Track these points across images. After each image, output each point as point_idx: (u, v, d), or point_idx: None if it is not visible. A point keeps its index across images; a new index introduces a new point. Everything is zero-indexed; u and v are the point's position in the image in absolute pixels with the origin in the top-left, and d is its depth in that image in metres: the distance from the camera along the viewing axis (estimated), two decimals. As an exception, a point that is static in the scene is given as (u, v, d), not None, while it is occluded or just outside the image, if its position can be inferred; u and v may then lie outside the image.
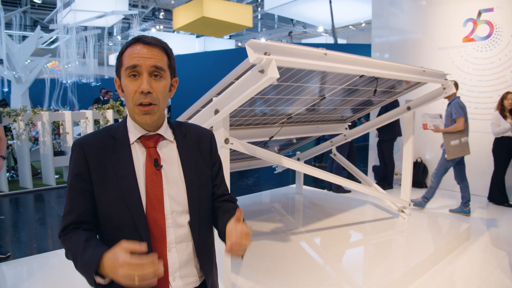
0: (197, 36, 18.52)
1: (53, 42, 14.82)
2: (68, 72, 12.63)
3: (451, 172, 6.08)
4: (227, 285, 2.42)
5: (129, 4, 12.76)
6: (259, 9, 15.20)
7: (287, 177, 7.35)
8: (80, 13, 10.63)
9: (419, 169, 6.12)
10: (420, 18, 6.20)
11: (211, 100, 2.20)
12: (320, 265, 2.92)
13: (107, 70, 17.50)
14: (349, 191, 5.70)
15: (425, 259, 3.07)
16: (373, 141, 6.76)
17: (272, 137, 3.35)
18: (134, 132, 1.17)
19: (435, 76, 3.43)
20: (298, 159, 4.75)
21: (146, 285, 0.92)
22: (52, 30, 11.58)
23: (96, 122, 7.04)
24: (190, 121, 1.94)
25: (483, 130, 5.55)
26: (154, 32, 18.05)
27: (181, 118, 2.74)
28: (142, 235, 1.10)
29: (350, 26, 16.92)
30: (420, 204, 4.82)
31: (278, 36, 20.47)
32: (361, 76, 2.75)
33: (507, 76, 5.32)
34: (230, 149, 2.47)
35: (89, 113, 6.87)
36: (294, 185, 5.25)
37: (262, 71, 1.83)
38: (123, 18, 13.40)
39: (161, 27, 18.38)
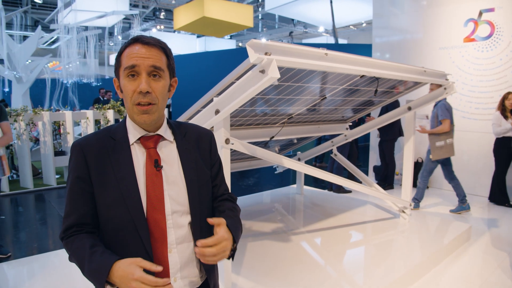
0: (198, 36, 18.54)
1: (53, 42, 14.83)
2: (68, 72, 12.64)
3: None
4: (227, 285, 2.42)
5: (130, 4, 12.77)
6: (259, 9, 15.20)
7: (288, 177, 7.34)
8: (80, 13, 10.63)
9: (420, 170, 6.11)
10: (421, 18, 6.19)
11: (211, 100, 2.20)
12: (321, 265, 2.92)
13: (108, 70, 17.50)
14: (349, 191, 5.70)
15: (426, 260, 3.06)
16: (374, 141, 6.76)
17: (273, 137, 3.35)
18: (133, 132, 1.17)
19: (436, 76, 3.43)
20: (299, 159, 4.75)
21: None
22: (53, 30, 11.59)
23: (97, 122, 7.05)
24: (190, 121, 1.94)
25: (484, 130, 5.54)
26: (154, 32, 18.05)
27: (182, 118, 2.74)
28: (142, 236, 1.10)
29: (351, 26, 16.91)
30: (415, 206, 4.83)
31: (279, 36, 20.47)
32: (362, 76, 2.74)
33: (508, 76, 5.32)
34: (231, 149, 2.47)
35: (89, 113, 6.87)
36: (294, 185, 5.25)
37: (263, 71, 1.82)
38: (124, 18, 13.41)
39: (162, 27, 18.39)
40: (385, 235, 3.57)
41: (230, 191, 1.40)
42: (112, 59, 19.53)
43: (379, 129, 5.87)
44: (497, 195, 5.14)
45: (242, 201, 4.69)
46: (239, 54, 11.02)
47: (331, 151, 4.55)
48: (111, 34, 17.26)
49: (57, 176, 6.79)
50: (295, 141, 4.32)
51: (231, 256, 1.18)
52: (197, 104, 2.58)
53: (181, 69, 10.40)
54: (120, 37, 16.63)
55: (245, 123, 3.10)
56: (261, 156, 2.70)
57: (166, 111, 1.70)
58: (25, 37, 13.55)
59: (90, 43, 12.14)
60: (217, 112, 2.14)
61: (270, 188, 6.02)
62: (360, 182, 4.34)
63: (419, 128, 4.65)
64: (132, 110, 1.12)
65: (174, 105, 11.97)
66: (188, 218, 1.18)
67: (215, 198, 1.32)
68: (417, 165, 6.11)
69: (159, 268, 1.01)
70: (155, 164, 1.15)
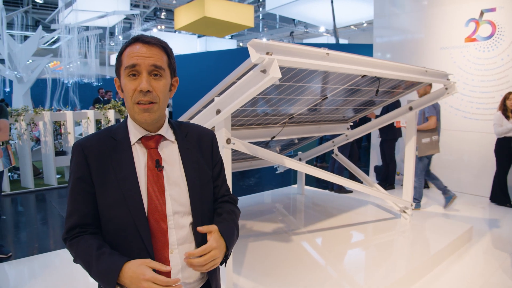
0: (199, 36, 18.54)
1: (54, 42, 14.84)
2: (69, 72, 12.65)
3: (448, 171, 6.08)
4: (228, 285, 2.42)
5: (131, 4, 12.77)
6: (260, 9, 15.19)
7: (289, 177, 7.34)
8: (81, 13, 10.64)
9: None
10: (422, 18, 6.18)
11: (212, 100, 2.19)
12: (322, 265, 2.92)
13: (109, 70, 17.52)
14: (350, 192, 5.69)
15: (427, 260, 3.06)
16: (375, 141, 6.75)
17: (274, 137, 3.35)
18: (134, 133, 1.17)
19: (437, 76, 3.42)
20: (300, 159, 4.75)
21: None
22: (54, 30, 11.61)
23: (98, 122, 7.05)
24: (191, 121, 1.94)
25: (485, 130, 5.53)
26: (155, 32, 18.07)
27: (183, 118, 2.74)
28: (143, 237, 1.10)
29: (352, 26, 16.90)
30: (416, 206, 4.82)
31: (280, 36, 20.46)
32: (363, 76, 2.74)
33: (509, 76, 5.31)
34: (232, 149, 2.46)
35: (90, 113, 6.88)
36: (295, 185, 5.24)
37: (264, 71, 1.82)
38: (125, 18, 13.41)
39: (163, 27, 18.40)
40: (386, 235, 3.56)
41: (231, 192, 1.39)
42: (113, 59, 19.55)
43: (380, 129, 5.87)
44: (498, 196, 5.13)
45: (243, 201, 4.69)
46: (240, 54, 11.02)
47: (332, 151, 4.55)
48: (112, 34, 17.27)
49: (58, 176, 6.80)
50: (296, 141, 4.31)
51: (224, 262, 1.18)
52: (198, 104, 2.57)
53: (182, 69, 10.40)
54: (121, 37, 16.64)
55: (246, 123, 3.10)
56: (262, 156, 2.69)
57: (167, 111, 1.70)
58: (26, 37, 13.56)
59: (91, 43, 12.15)
60: (218, 112, 2.13)
61: (271, 188, 6.02)
62: (361, 182, 4.33)
63: (405, 125, 4.72)
64: (133, 109, 1.12)
65: (175, 105, 11.97)
66: (189, 219, 1.18)
67: (216, 199, 1.31)
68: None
69: (168, 268, 1.03)
70: (156, 164, 1.14)
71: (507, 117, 4.83)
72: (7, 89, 12.88)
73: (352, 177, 5.28)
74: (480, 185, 5.60)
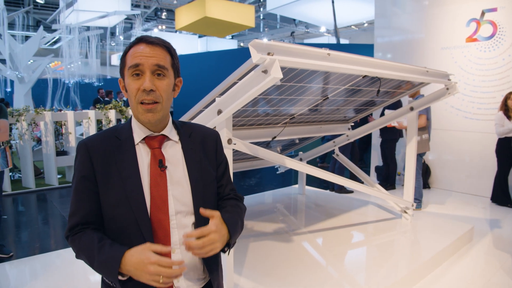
0: (200, 36, 18.55)
1: (55, 42, 14.87)
2: (70, 72, 12.66)
3: (449, 171, 6.07)
4: (229, 285, 2.42)
5: (132, 4, 12.78)
6: (261, 9, 15.20)
7: (290, 177, 7.34)
8: (82, 13, 10.65)
9: (422, 170, 6.10)
10: (423, 18, 6.18)
11: (214, 100, 2.19)
12: (322, 265, 2.92)
13: (110, 70, 17.53)
14: (351, 192, 5.69)
15: (428, 260, 3.05)
16: (376, 141, 6.75)
17: (275, 137, 3.35)
18: (138, 132, 1.17)
19: (438, 77, 3.42)
20: (301, 160, 4.75)
21: (163, 285, 1.01)
22: (55, 30, 11.62)
23: (99, 122, 7.05)
24: (193, 121, 1.94)
25: (486, 130, 5.53)
26: (156, 32, 18.09)
27: (184, 118, 2.74)
28: (145, 236, 1.10)
29: (353, 26, 16.88)
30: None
31: (280, 36, 20.46)
32: (364, 76, 2.74)
33: (510, 77, 5.30)
34: (233, 150, 2.47)
35: (91, 113, 6.88)
36: (296, 185, 5.24)
37: (265, 71, 1.82)
38: (126, 18, 13.42)
39: (164, 27, 18.41)
40: (387, 235, 3.56)
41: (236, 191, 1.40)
42: (114, 59, 19.58)
43: (380, 130, 5.86)
44: (500, 196, 5.12)
45: (244, 201, 4.69)
46: (241, 54, 11.02)
47: (333, 151, 4.55)
48: (112, 34, 17.28)
49: (59, 176, 6.80)
50: (297, 141, 4.31)
51: (227, 250, 1.18)
52: (199, 104, 2.57)
53: (182, 69, 10.32)
54: (121, 37, 16.65)
55: (247, 123, 3.10)
56: (263, 156, 2.70)
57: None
58: (27, 37, 13.57)
59: (92, 43, 12.16)
60: (219, 112, 2.14)
61: (272, 188, 6.02)
62: (362, 182, 4.33)
63: (396, 124, 4.76)
64: (136, 109, 1.13)
65: (176, 105, 11.96)
66: (192, 219, 1.18)
67: (221, 198, 1.31)
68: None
69: (168, 248, 1.07)
70: (159, 164, 1.15)
71: (509, 117, 4.83)
72: (8, 89, 12.91)
73: (353, 177, 5.28)
74: (481, 185, 5.60)
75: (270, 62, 1.78)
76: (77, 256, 1.14)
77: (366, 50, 10.08)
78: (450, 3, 5.86)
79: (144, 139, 1.17)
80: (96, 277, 2.90)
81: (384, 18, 6.77)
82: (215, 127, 2.32)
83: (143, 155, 1.16)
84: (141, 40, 1.12)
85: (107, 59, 16.74)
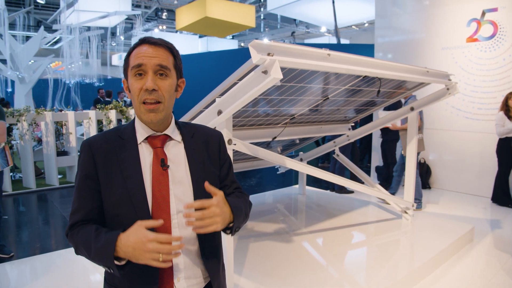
0: (200, 36, 18.55)
1: (56, 42, 14.89)
2: (71, 72, 12.66)
3: (450, 172, 6.07)
4: (229, 286, 2.42)
5: (132, 5, 12.79)
6: (262, 9, 15.20)
7: (290, 177, 7.34)
8: (83, 13, 10.66)
9: (423, 170, 6.10)
10: (424, 18, 6.18)
11: (214, 101, 2.19)
12: (323, 265, 2.92)
13: (110, 70, 17.56)
14: (352, 192, 5.69)
15: (429, 261, 3.05)
16: (377, 142, 6.75)
17: (275, 137, 3.35)
18: (141, 132, 1.19)
19: (439, 77, 3.42)
20: (301, 160, 4.75)
21: (164, 265, 0.99)
22: (56, 31, 11.63)
23: (99, 122, 7.06)
24: (193, 122, 1.94)
25: (487, 130, 5.52)
26: (157, 32, 18.10)
27: (184, 118, 2.74)
28: None
29: (353, 26, 16.87)
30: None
31: (281, 36, 20.46)
32: (365, 76, 2.74)
33: (511, 77, 5.30)
34: (233, 150, 2.47)
35: (92, 114, 6.89)
36: (297, 186, 5.24)
37: (265, 72, 1.82)
38: (126, 19, 13.43)
39: (164, 27, 18.42)
40: (388, 235, 3.56)
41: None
42: (115, 60, 19.59)
43: (381, 130, 5.86)
44: (500, 196, 5.12)
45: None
46: (241, 54, 11.02)
47: (333, 152, 4.55)
48: (113, 34, 17.30)
49: (59, 176, 6.81)
50: (298, 141, 4.31)
51: (231, 231, 1.17)
52: (199, 105, 2.58)
53: (183, 69, 10.39)
54: (122, 38, 16.66)
55: (248, 124, 3.10)
56: (263, 156, 2.70)
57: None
58: (28, 38, 13.59)
59: (93, 43, 12.17)
60: (219, 112, 2.14)
61: (272, 188, 6.02)
62: (362, 183, 4.33)
63: (390, 125, 4.78)
64: (139, 109, 1.14)
65: (176, 105, 11.92)
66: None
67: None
68: (420, 166, 6.10)
69: (161, 221, 1.03)
70: (161, 163, 1.15)
71: (509, 117, 4.82)
72: (9, 89, 12.92)
73: (353, 177, 5.28)
74: (482, 186, 5.59)
75: (270, 63, 1.78)
76: (76, 252, 1.14)
77: (367, 50, 10.07)
78: (450, 3, 5.85)
79: (146, 138, 1.18)
80: (97, 277, 2.90)
81: (384, 18, 6.77)
82: (215, 128, 2.32)
83: (146, 154, 1.17)
84: (144, 41, 1.14)
85: (108, 59, 16.76)
